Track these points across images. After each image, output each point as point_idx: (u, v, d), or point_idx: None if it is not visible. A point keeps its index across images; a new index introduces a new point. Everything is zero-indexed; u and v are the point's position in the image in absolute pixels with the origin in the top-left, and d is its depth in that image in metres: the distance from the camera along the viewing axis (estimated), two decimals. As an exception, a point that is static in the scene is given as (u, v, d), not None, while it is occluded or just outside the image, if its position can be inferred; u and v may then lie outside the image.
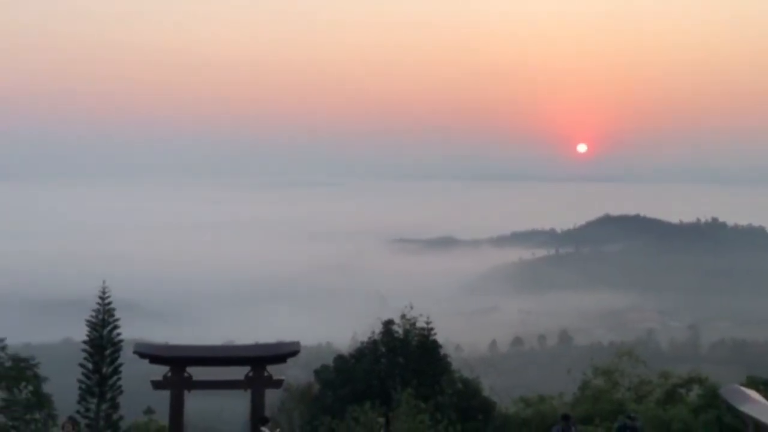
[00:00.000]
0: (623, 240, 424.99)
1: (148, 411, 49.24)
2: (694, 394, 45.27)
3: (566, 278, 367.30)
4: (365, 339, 53.91)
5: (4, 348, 50.32)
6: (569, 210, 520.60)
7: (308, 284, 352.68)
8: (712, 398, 39.67)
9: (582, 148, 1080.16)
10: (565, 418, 25.61)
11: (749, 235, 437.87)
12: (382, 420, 25.36)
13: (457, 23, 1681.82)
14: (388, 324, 51.85)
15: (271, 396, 34.87)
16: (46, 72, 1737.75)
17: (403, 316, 51.64)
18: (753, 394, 22.79)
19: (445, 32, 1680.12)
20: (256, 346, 26.91)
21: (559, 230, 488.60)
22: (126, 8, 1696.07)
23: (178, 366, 25.47)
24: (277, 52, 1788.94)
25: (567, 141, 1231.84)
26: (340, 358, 53.47)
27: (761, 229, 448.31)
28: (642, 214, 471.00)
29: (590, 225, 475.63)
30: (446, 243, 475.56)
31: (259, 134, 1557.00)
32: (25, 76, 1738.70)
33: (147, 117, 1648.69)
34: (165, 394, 26.06)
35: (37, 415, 48.09)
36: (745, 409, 21.74)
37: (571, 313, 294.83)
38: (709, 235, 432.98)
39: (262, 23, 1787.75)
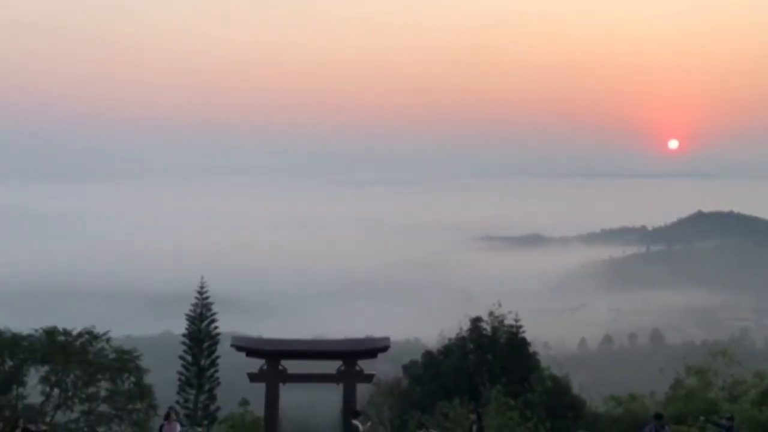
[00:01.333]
0: (716, 237, 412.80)
1: (244, 402, 50.21)
2: (791, 395, 43.80)
3: (658, 276, 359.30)
4: (453, 336, 53.92)
5: (108, 340, 52.03)
6: (661, 207, 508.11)
7: (395, 281, 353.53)
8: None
9: (673, 144, 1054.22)
10: (658, 417, 25.17)
11: None
12: (473, 416, 25.30)
13: (550, 21, 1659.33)
14: (476, 321, 51.71)
15: (361, 390, 35.22)
16: (145, 78, 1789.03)
17: (491, 314, 51.41)
18: None
19: (536, 30, 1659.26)
20: (348, 341, 27.18)
21: (650, 227, 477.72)
22: (219, 9, 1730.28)
23: (274, 359, 25.91)
24: (363, 54, 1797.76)
25: (658, 137, 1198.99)
26: (428, 354, 53.59)
27: None
28: (736, 210, 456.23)
29: (682, 222, 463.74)
30: (534, 240, 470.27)
31: (344, 134, 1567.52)
32: (128, 84, 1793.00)
33: (238, 119, 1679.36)
34: (259, 387, 26.56)
35: (138, 405, 49.56)
36: None
37: (663, 311, 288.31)
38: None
39: (348, 27, 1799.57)
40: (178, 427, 26.95)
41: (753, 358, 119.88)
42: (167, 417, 27.29)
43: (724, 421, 25.89)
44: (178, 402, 49.94)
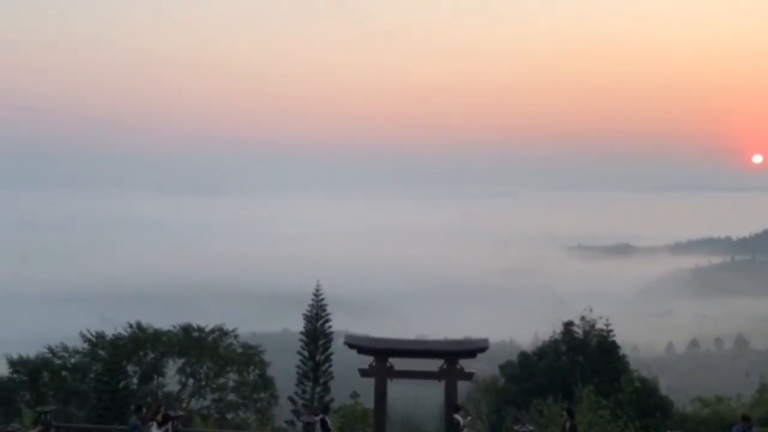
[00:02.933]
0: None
1: (354, 395, 50.53)
2: None
3: (742, 284, 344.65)
4: (547, 338, 52.98)
5: (236, 336, 53.26)
6: (745, 218, 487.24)
7: (493, 285, 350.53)
8: None
9: (758, 158, 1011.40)
10: (746, 419, 23.97)
11: None
12: (565, 414, 24.75)
13: (636, 43, 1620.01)
14: (568, 325, 50.70)
15: (461, 387, 34.93)
16: (272, 105, 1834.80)
17: (582, 318, 50.31)
18: None
19: (623, 49, 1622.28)
20: (450, 342, 27.03)
21: (734, 238, 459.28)
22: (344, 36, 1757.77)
23: (382, 356, 25.97)
24: (465, 76, 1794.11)
25: (743, 152, 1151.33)
26: (523, 355, 52.79)
27: None
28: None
29: (766, 233, 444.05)
30: (623, 250, 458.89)
31: (450, 153, 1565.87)
32: (258, 110, 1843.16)
33: (353, 140, 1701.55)
34: (369, 381, 26.65)
35: (262, 395, 50.49)
36: None
37: (748, 317, 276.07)
38: None
39: (444, 51, 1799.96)
40: (154, 429, 25.77)
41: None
42: (138, 411, 25.97)
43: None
44: (296, 393, 50.74)
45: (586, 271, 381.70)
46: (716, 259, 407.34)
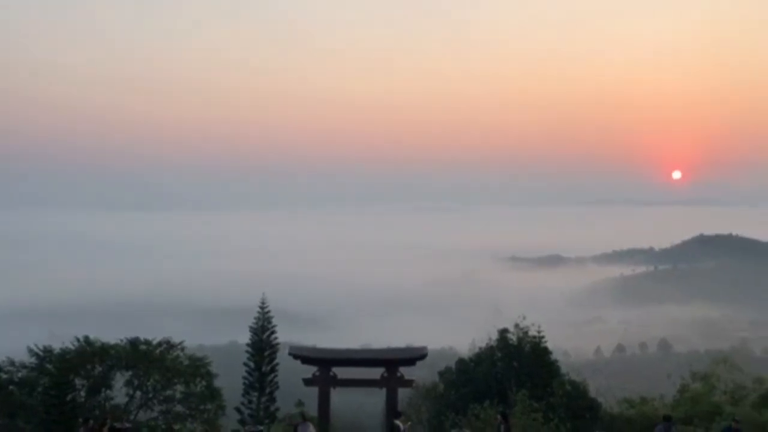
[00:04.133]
0: (717, 257, 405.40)
1: (300, 404, 50.04)
2: (788, 399, 42.60)
3: (664, 292, 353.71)
4: (483, 345, 53.32)
5: (183, 349, 52.33)
6: (666, 230, 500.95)
7: (433, 296, 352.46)
8: (807, 403, 37.26)
9: (677, 174, 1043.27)
10: (666, 418, 24.52)
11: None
12: (500, 418, 25.00)
13: (567, 62, 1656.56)
14: (503, 332, 51.17)
15: (402, 393, 34.95)
16: (211, 116, 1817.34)
17: (516, 326, 50.82)
18: None
19: (553, 68, 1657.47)
20: (391, 350, 27.05)
21: (657, 249, 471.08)
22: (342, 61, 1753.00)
23: (325, 366, 25.88)
24: (409, 94, 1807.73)
25: (663, 168, 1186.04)
26: (461, 362, 53.04)
27: None
28: (735, 233, 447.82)
29: (686, 244, 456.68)
30: (554, 261, 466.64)
31: (391, 167, 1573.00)
32: (192, 122, 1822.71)
33: (295, 155, 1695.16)
34: (313, 390, 26.48)
35: (209, 406, 49.60)
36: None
37: (670, 323, 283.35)
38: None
39: (412, 67, 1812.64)
40: None
41: (752, 364, 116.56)
42: (85, 423, 25.94)
43: (732, 424, 25.18)
44: (242, 403, 50.10)
45: (520, 281, 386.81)
46: (640, 269, 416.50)
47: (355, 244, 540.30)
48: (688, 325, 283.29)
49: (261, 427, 27.05)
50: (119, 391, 49.73)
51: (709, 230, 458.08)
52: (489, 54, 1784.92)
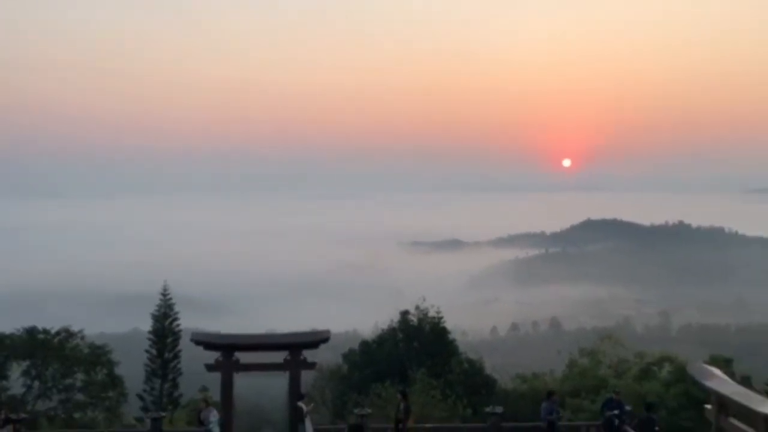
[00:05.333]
0: (603, 240, 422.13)
1: (203, 389, 49.32)
2: (665, 371, 44.73)
3: (555, 273, 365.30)
4: (386, 327, 53.89)
5: (82, 337, 50.58)
6: (557, 215, 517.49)
7: (337, 281, 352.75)
8: (681, 374, 39.21)
9: (566, 162, 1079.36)
10: (550, 394, 25.32)
11: (710, 234, 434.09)
12: (399, 396, 25.19)
13: (465, 50, 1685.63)
14: (404, 314, 51.83)
15: (306, 375, 34.75)
16: (108, 98, 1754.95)
17: (417, 307, 51.59)
18: (715, 370, 22.41)
19: (451, 58, 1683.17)
20: (293, 334, 26.79)
21: (548, 233, 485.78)
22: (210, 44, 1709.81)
23: (228, 351, 25.43)
24: (310, 79, 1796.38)
25: (553, 157, 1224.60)
26: (364, 344, 53.40)
27: (720, 229, 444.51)
28: (619, 218, 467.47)
29: (575, 228, 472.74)
30: (453, 245, 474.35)
31: (296, 154, 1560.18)
32: (96, 106, 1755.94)
33: (196, 138, 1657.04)
34: (217, 375, 26.02)
35: (110, 394, 48.24)
36: (709, 383, 21.39)
37: (560, 302, 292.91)
38: (676, 235, 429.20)
39: (309, 52, 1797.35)
40: None
41: (635, 340, 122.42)
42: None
43: (612, 395, 26.15)
44: (145, 390, 48.83)
45: (421, 265, 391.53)
46: (533, 252, 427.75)
47: (259, 230, 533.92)
48: (577, 304, 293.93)
49: (164, 413, 26.31)
50: (16, 381, 47.69)
51: (596, 215, 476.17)
52: (390, 45, 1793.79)
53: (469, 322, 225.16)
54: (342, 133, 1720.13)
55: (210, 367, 25.75)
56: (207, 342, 25.93)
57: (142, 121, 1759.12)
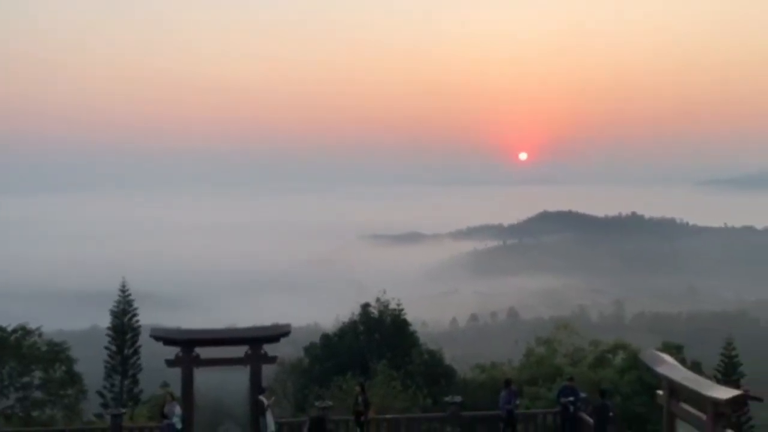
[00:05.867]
0: (559, 232, 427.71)
1: (164, 385, 48.75)
2: (619, 358, 45.52)
3: (513, 264, 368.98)
4: (347, 320, 53.92)
5: (40, 334, 49.63)
6: (514, 208, 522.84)
7: (298, 275, 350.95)
8: (634, 361, 39.91)
9: (523, 156, 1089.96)
10: (507, 383, 25.57)
11: (661, 225, 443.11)
12: (358, 388, 25.23)
13: (420, 45, 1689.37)
14: (365, 307, 51.91)
15: (268, 369, 34.59)
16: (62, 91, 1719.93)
17: (378, 300, 51.71)
18: (667, 357, 22.90)
19: (411, 55, 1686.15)
20: (254, 329, 26.60)
21: (506, 225, 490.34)
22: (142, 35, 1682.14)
23: (188, 347, 25.15)
24: (271, 76, 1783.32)
25: (510, 151, 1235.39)
26: (325, 337, 53.36)
27: (671, 220, 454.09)
28: (574, 210, 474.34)
29: (531, 220, 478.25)
30: (413, 237, 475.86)
31: (257, 148, 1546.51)
32: (55, 102, 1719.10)
33: (159, 135, 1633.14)
34: (178, 371, 25.75)
35: (69, 391, 47.45)
36: (660, 370, 21.86)
37: (518, 293, 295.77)
38: (629, 226, 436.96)
39: (258, 45, 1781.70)
40: None
41: (589, 329, 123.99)
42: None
43: (567, 383, 26.48)
44: (105, 387, 48.11)
45: (382, 258, 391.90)
46: (491, 244, 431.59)
47: (218, 224, 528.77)
48: (534, 295, 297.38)
49: (124, 410, 25.92)
50: (-29, 381, 46.52)
51: (552, 207, 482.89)
52: (351, 41, 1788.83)
53: (429, 313, 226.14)
54: (303, 128, 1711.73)
55: (170, 363, 25.43)
56: (166, 337, 25.58)
57: (96, 115, 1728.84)
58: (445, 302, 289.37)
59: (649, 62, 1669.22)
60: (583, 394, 25.72)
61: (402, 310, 51.05)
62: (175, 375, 27.29)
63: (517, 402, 26.38)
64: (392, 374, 39.06)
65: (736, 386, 38.90)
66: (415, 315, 67.39)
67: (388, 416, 27.46)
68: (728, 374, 46.78)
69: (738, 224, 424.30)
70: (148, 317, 54.49)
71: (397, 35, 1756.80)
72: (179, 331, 28.19)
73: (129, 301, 48.19)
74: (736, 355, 48.50)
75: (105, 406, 46.91)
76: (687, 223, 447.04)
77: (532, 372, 45.27)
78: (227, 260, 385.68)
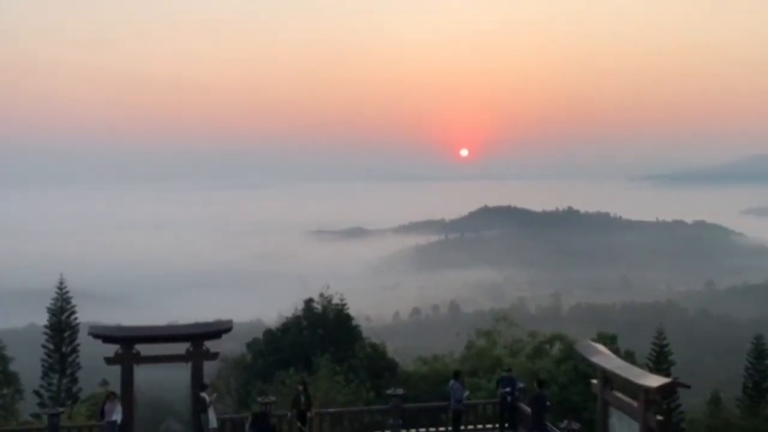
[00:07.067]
0: (499, 226, 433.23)
1: (104, 383, 47.60)
2: (556, 349, 46.39)
3: (454, 259, 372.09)
4: (290, 315, 53.65)
5: (-26, 334, 47.97)
6: (455, 203, 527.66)
7: (241, 271, 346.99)
8: (570, 352, 40.74)
9: (464, 152, 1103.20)
10: (456, 374, 25.73)
11: (597, 219, 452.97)
12: (300, 387, 25.07)
13: (370, 54, 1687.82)
14: (308, 302, 51.74)
15: (210, 366, 34.10)
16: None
17: (321, 295, 51.61)
18: (600, 347, 23.43)
19: (354, 48, 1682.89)
20: (195, 325, 26.10)
21: (447, 220, 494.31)
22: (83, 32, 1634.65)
23: (128, 344, 24.55)
24: (210, 71, 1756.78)
25: (452, 147, 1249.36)
26: (268, 332, 52.98)
27: (606, 214, 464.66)
28: (513, 205, 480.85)
29: (472, 215, 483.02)
30: (356, 233, 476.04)
31: (202, 144, 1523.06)
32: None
33: (112, 132, 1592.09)
34: (117, 369, 25.14)
35: (5, 391, 45.95)
36: (595, 359, 22.34)
37: (459, 286, 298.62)
38: (565, 220, 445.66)
39: (219, 51, 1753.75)
40: None
41: (528, 321, 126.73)
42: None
43: (505, 374, 26.77)
44: (42, 386, 46.72)
45: (326, 253, 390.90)
46: (433, 238, 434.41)
47: (159, 221, 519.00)
48: (475, 288, 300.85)
49: (61, 409, 25.15)
50: None
51: (492, 203, 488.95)
52: (288, 35, 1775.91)
53: (372, 307, 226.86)
54: (245, 124, 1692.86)
55: (109, 361, 24.76)
56: (105, 335, 24.89)
57: (33, 111, 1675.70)
58: (388, 296, 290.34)
59: (585, 60, 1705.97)
60: (521, 385, 26.06)
61: (345, 304, 51.07)
62: (114, 373, 26.67)
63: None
64: (335, 368, 39.03)
65: (667, 374, 40.06)
66: (358, 309, 67.59)
67: (331, 410, 27.36)
68: (659, 363, 48.15)
69: (669, 218, 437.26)
70: (87, 315, 53.23)
71: (339, 31, 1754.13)
72: (119, 328, 27.51)
73: (67, 298, 46.88)
74: (667, 345, 49.92)
75: (42, 405, 45.54)
76: (620, 218, 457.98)
77: (473, 363, 45.78)
78: (168, 257, 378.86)
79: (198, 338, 24.85)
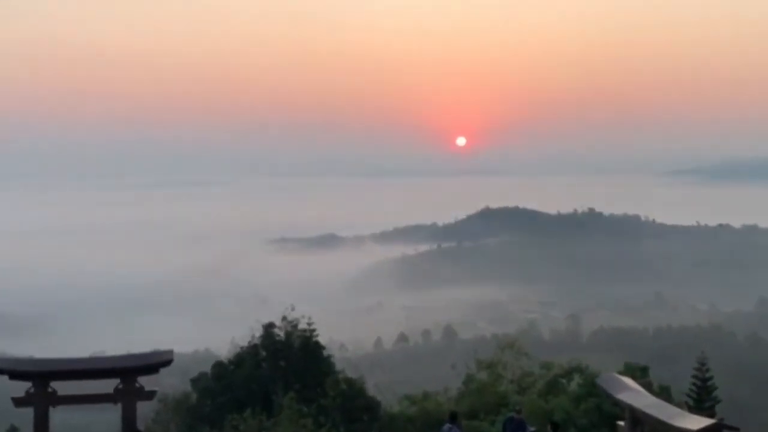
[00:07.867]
0: (503, 232, 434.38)
1: (12, 429, 47.25)
2: (574, 383, 46.52)
3: (448, 272, 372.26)
4: (245, 344, 53.42)
5: None
6: (450, 204, 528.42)
7: (183, 290, 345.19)
8: (592, 387, 40.81)
9: (461, 141, 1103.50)
10: (453, 417, 25.78)
11: (624, 223, 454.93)
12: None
13: (342, 24, 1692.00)
14: (268, 327, 51.54)
15: (146, 407, 33.93)
16: None
17: (284, 318, 51.43)
18: (628, 381, 23.59)
19: (330, 32, 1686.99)
20: (125, 357, 26.03)
21: (440, 224, 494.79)
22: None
23: (42, 381, 24.43)
24: (162, 49, 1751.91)
25: (446, 135, 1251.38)
26: (218, 365, 52.73)
27: (636, 217, 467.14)
28: (521, 206, 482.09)
29: (471, 218, 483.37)
30: (328, 241, 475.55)
31: (147, 134, 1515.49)
32: None
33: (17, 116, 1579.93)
34: (30, 411, 25.01)
35: None
36: (622, 396, 22.49)
37: (455, 307, 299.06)
38: (586, 224, 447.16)
39: (151, 16, 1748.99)
40: None
41: (540, 348, 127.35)
42: None
43: (513, 414, 26.88)
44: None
45: (290, 266, 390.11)
46: (423, 247, 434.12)
47: (81, 228, 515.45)
48: (474, 309, 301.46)
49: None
50: None
51: (495, 203, 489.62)
52: (258, 11, 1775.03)
53: (348, 333, 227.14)
54: (185, 104, 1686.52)
55: (19, 401, 24.61)
56: (12, 370, 24.76)
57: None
58: (367, 319, 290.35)
59: (608, 31, 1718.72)
60: (532, 429, 26.20)
61: (314, 330, 50.97)
62: (26, 416, 26.53)
63: None
64: (302, 410, 38.94)
65: (711, 414, 40.40)
66: (330, 336, 67.70)
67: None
68: (701, 400, 48.41)
69: (712, 222, 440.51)
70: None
71: (313, 5, 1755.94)
72: (31, 361, 27.36)
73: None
74: (711, 377, 50.16)
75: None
76: (653, 221, 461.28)
77: (472, 402, 45.84)
78: (91, 272, 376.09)
79: (130, 373, 24.79)
